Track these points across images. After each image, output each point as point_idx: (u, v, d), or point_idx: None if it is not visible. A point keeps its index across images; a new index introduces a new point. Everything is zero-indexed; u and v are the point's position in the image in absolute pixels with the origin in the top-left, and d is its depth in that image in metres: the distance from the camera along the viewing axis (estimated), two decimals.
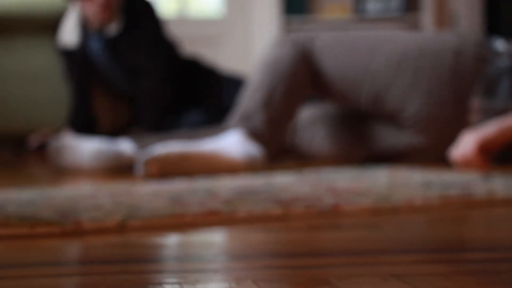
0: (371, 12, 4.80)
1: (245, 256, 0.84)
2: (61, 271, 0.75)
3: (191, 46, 4.41)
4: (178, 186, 1.56)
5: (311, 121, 2.30)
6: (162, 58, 2.82)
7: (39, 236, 0.97)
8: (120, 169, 2.18)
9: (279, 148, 2.15)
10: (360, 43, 2.16)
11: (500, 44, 2.10)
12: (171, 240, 0.97)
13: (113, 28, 2.73)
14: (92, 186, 1.59)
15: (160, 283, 0.68)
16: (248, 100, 2.09)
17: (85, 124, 2.80)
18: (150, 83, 2.76)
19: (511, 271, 0.74)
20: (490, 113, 2.03)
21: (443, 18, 4.78)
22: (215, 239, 1.01)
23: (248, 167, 1.96)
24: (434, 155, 2.13)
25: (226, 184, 1.58)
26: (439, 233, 1.02)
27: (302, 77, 2.15)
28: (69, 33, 2.78)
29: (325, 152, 2.28)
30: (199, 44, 4.65)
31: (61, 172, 2.17)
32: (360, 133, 2.25)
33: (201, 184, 1.59)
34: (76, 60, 2.78)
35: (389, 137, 2.19)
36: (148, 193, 1.42)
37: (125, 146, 2.20)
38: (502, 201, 1.29)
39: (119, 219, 1.04)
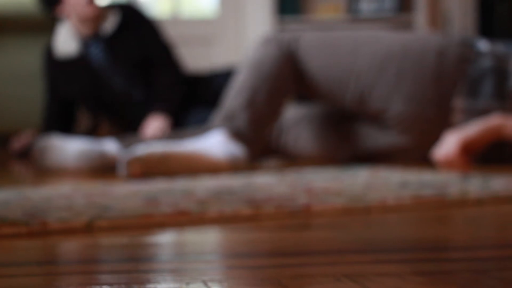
0: (365, 12, 4.81)
1: (202, 256, 0.85)
2: (22, 272, 0.76)
3: (184, 46, 4.42)
4: (156, 186, 1.57)
5: (296, 121, 2.31)
6: (170, 52, 2.83)
7: (4, 236, 0.98)
8: (105, 169, 2.18)
9: (262, 148, 2.15)
10: (344, 44, 2.17)
11: (483, 45, 2.10)
12: (135, 241, 0.97)
13: (108, 27, 2.73)
14: (71, 186, 1.59)
15: (110, 284, 0.68)
16: (231, 100, 2.09)
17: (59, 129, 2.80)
18: (168, 75, 2.76)
19: (464, 271, 0.74)
20: (473, 113, 2.04)
21: (436, 18, 4.79)
22: (180, 239, 1.02)
23: (231, 167, 1.96)
24: (418, 155, 2.13)
25: (205, 184, 1.58)
26: (404, 233, 1.03)
27: (286, 77, 2.15)
28: (64, 43, 2.77)
29: (310, 152, 2.28)
30: (193, 44, 4.66)
31: (45, 172, 2.17)
32: (345, 133, 2.26)
33: (180, 184, 1.59)
34: (77, 70, 2.76)
35: (373, 137, 2.19)
36: (125, 193, 1.43)
37: (109, 146, 2.21)
38: (474, 202, 1.29)
39: (86, 219, 1.04)
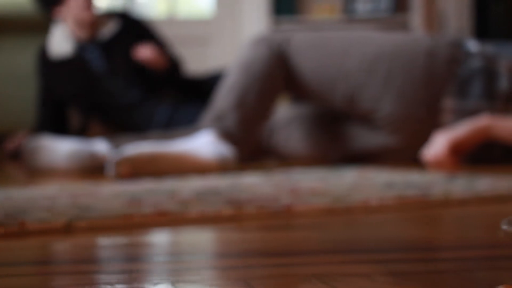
0: (360, 12, 4.81)
1: (176, 257, 0.85)
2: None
3: (181, 46, 4.42)
4: (142, 186, 1.57)
5: (287, 122, 2.31)
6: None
7: None
8: (95, 169, 2.18)
9: (252, 149, 2.15)
10: (335, 44, 2.17)
11: (472, 45, 2.10)
12: (114, 241, 0.97)
13: (105, 33, 2.73)
14: (57, 186, 1.59)
15: (77, 284, 0.68)
16: (221, 100, 2.09)
17: (53, 130, 2.80)
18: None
19: (432, 271, 0.74)
20: (462, 114, 2.04)
21: (432, 19, 4.79)
22: (157, 240, 1.02)
23: (219, 167, 1.96)
24: (408, 155, 2.13)
25: (191, 185, 1.58)
26: (382, 234, 1.03)
27: (276, 78, 2.15)
28: (59, 43, 2.77)
29: (301, 152, 2.28)
30: (189, 44, 4.66)
31: (35, 172, 2.17)
32: (336, 133, 2.26)
33: (166, 185, 1.59)
34: (71, 71, 2.76)
35: (364, 137, 2.20)
36: (110, 194, 1.43)
37: (100, 146, 2.21)
38: (458, 202, 1.29)
39: (65, 220, 1.05)
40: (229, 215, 1.16)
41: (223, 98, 2.09)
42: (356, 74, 2.11)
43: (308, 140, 2.27)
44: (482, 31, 4.75)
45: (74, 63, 2.75)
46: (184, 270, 0.76)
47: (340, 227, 1.09)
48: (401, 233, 1.03)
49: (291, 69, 2.17)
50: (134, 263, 0.82)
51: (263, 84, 2.11)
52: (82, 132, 2.95)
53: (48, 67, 2.79)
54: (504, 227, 0.61)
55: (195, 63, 4.43)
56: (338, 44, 2.17)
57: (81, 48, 2.74)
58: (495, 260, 0.81)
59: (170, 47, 2.92)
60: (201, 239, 1.02)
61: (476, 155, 2.04)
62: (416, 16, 4.71)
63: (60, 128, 2.84)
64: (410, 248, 0.89)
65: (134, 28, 2.79)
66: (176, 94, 2.79)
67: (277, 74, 2.15)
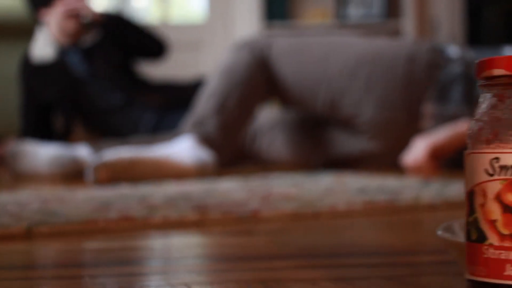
0: (353, 17, 4.81)
1: (119, 263, 0.85)
2: None
3: (173, 51, 4.43)
4: (116, 192, 1.57)
5: (270, 127, 2.31)
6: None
7: None
8: (77, 174, 2.18)
9: (233, 154, 2.15)
10: (316, 49, 2.17)
11: (453, 51, 2.10)
12: (70, 247, 0.97)
13: (88, 39, 2.73)
14: (30, 191, 1.60)
15: None
16: (202, 105, 2.10)
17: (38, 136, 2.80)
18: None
19: (378, 277, 0.74)
20: (442, 119, 2.04)
21: (424, 24, 4.79)
22: (112, 245, 1.02)
23: (199, 172, 1.96)
24: (389, 160, 2.14)
25: (165, 190, 1.58)
26: (342, 239, 1.03)
27: (258, 83, 2.15)
28: (42, 48, 2.78)
29: (284, 157, 2.28)
30: (181, 49, 4.66)
31: (17, 178, 2.17)
32: (318, 138, 2.26)
33: (140, 190, 1.59)
34: (53, 75, 2.77)
35: (345, 142, 2.20)
36: (82, 199, 1.43)
37: (82, 151, 2.21)
38: (425, 207, 1.29)
39: (26, 225, 1.05)
40: (194, 221, 1.16)
41: (203, 103, 2.10)
42: (338, 79, 2.12)
43: (291, 145, 2.27)
44: (474, 36, 4.76)
45: (56, 68, 2.75)
46: (127, 275, 0.76)
47: (303, 232, 1.09)
48: (361, 239, 1.03)
49: (273, 74, 2.17)
50: (76, 268, 0.82)
51: (244, 89, 2.12)
52: (66, 136, 2.95)
53: (31, 71, 2.79)
54: (439, 232, 0.62)
55: (187, 67, 4.44)
56: (320, 49, 2.17)
57: (64, 53, 2.75)
58: (445, 265, 0.81)
59: (153, 30, 2.92)
60: (157, 245, 1.02)
61: (456, 160, 2.04)
62: (408, 22, 4.71)
63: (44, 132, 2.84)
64: (364, 254, 0.90)
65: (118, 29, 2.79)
66: (162, 99, 2.79)
67: (259, 80, 2.15)
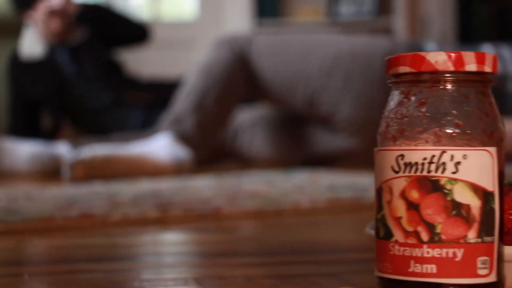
0: (344, 15, 4.81)
1: (57, 262, 0.85)
2: None
3: (164, 49, 4.44)
4: (87, 189, 1.57)
5: (251, 124, 2.31)
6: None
7: None
8: (56, 172, 2.18)
9: (211, 151, 2.16)
10: (296, 47, 2.17)
11: (430, 48, 2.10)
12: (21, 245, 0.97)
13: (76, 38, 2.74)
14: (1, 189, 1.60)
15: None
16: (180, 103, 2.10)
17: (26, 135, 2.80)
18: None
19: (319, 274, 0.74)
20: None
21: (415, 22, 4.79)
22: (65, 243, 1.02)
23: (175, 170, 1.97)
24: (367, 158, 2.14)
25: (136, 188, 1.58)
26: (294, 237, 1.03)
27: (237, 80, 2.15)
28: (30, 45, 2.78)
29: (264, 155, 2.28)
30: (172, 47, 4.67)
31: None
32: (298, 136, 2.26)
33: (111, 188, 1.59)
34: (42, 72, 2.77)
35: (324, 140, 2.20)
36: (51, 196, 1.43)
37: (61, 149, 2.21)
38: None
39: None
40: (154, 218, 1.16)
41: (182, 101, 2.10)
42: (316, 77, 2.12)
43: (271, 142, 2.27)
44: (465, 34, 4.75)
45: (45, 66, 2.75)
46: (64, 273, 0.77)
47: (260, 230, 1.09)
48: (316, 236, 1.03)
49: (252, 71, 2.17)
50: (24, 266, 0.82)
51: (222, 87, 2.12)
52: (54, 134, 2.95)
53: (19, 69, 2.79)
54: (367, 229, 0.62)
55: (178, 65, 4.44)
56: (299, 47, 2.17)
57: (52, 51, 2.75)
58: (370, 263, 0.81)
59: (133, 17, 2.93)
60: (109, 243, 1.02)
61: None
62: (400, 19, 4.71)
63: (32, 130, 2.84)
64: (313, 251, 0.90)
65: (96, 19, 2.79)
66: (149, 97, 2.79)
67: (238, 77, 2.15)
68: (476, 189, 0.49)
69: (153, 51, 4.14)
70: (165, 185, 1.62)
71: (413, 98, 0.50)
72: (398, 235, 0.50)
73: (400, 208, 0.50)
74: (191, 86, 2.12)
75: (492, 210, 0.49)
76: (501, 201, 0.50)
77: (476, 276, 0.49)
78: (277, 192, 1.44)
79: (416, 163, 0.49)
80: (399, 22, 4.70)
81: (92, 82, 2.74)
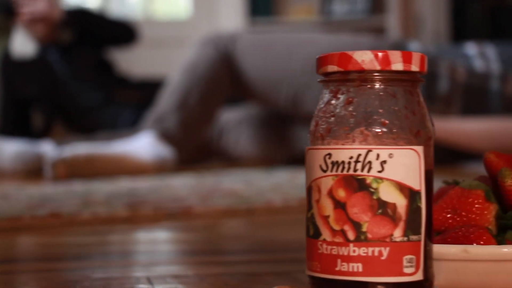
0: (337, 14, 4.81)
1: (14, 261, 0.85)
2: None
3: (157, 47, 4.43)
4: (65, 188, 1.57)
5: (237, 123, 2.31)
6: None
7: None
8: (40, 170, 2.18)
9: (194, 150, 2.16)
10: (280, 45, 2.17)
11: (414, 47, 2.10)
12: None
13: (65, 38, 2.74)
14: None
15: None
16: (163, 102, 2.10)
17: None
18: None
19: (271, 273, 0.74)
20: None
21: (409, 21, 4.79)
22: (30, 241, 1.02)
23: (158, 168, 1.97)
24: None
25: (114, 186, 1.58)
26: (259, 235, 1.03)
27: (221, 79, 2.15)
28: (21, 44, 2.78)
29: (249, 153, 2.28)
30: (165, 45, 4.67)
31: None
32: (283, 135, 2.26)
33: (90, 186, 1.60)
34: (34, 71, 2.77)
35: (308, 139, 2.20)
36: (26, 195, 1.43)
37: (46, 147, 2.21)
38: None
39: None
40: (123, 217, 1.16)
41: (165, 99, 2.10)
42: (300, 75, 2.12)
43: (256, 141, 2.27)
44: (459, 33, 4.75)
45: (37, 65, 2.75)
46: (16, 273, 0.77)
47: (226, 229, 1.09)
48: (282, 235, 1.03)
49: (237, 69, 2.17)
50: None
51: (206, 85, 2.12)
52: (45, 133, 2.95)
53: (11, 67, 2.79)
54: None
55: (171, 64, 4.43)
56: (284, 45, 2.17)
57: (43, 50, 2.75)
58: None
59: (120, 19, 2.94)
60: (71, 242, 1.02)
61: None
62: (393, 18, 4.70)
63: (22, 129, 2.84)
64: (273, 250, 0.90)
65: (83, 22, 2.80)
66: (140, 96, 2.79)
67: (222, 76, 2.15)
68: (402, 188, 0.49)
69: (146, 49, 4.14)
70: (143, 184, 1.62)
71: (341, 97, 0.50)
72: (326, 234, 0.50)
73: (328, 207, 0.50)
74: (174, 85, 2.12)
75: (419, 209, 0.49)
76: (428, 200, 0.50)
77: (402, 275, 0.49)
78: (253, 191, 1.44)
79: (343, 162, 0.49)
80: (393, 20, 4.69)
81: (83, 82, 2.74)
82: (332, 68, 0.51)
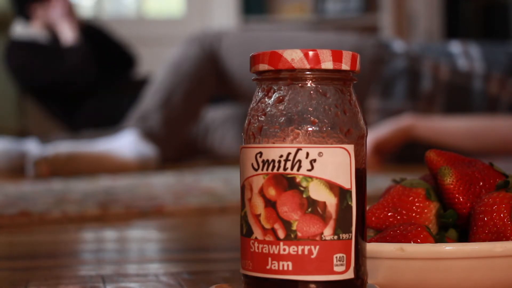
0: (331, 12, 4.80)
1: None
2: None
3: (150, 46, 4.42)
4: (43, 187, 1.57)
5: (222, 121, 2.31)
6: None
7: None
8: (23, 169, 2.18)
9: (178, 148, 2.15)
10: (264, 44, 2.17)
11: (398, 46, 2.10)
12: None
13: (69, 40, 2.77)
14: None
15: None
16: (147, 100, 2.10)
17: None
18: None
19: (227, 271, 0.74)
20: (386, 114, 2.04)
21: (402, 19, 4.78)
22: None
23: (140, 167, 1.96)
24: None
25: (93, 185, 1.58)
26: (213, 233, 1.03)
27: (206, 77, 2.15)
28: (33, 32, 2.80)
29: (235, 151, 2.28)
30: (158, 44, 4.66)
31: None
32: None
33: (68, 185, 1.59)
34: (47, 59, 2.78)
35: None
36: (2, 194, 1.43)
37: (30, 146, 2.21)
38: None
39: None
40: (94, 216, 1.16)
41: (149, 97, 2.10)
42: None
43: (242, 140, 2.27)
44: (452, 31, 4.75)
45: (51, 52, 2.78)
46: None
47: (194, 227, 1.09)
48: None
49: (222, 68, 2.17)
50: None
51: (191, 84, 2.12)
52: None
53: (21, 50, 2.81)
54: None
55: (164, 62, 4.43)
56: (268, 43, 2.17)
57: (55, 40, 2.78)
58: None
59: (127, 46, 2.97)
60: (38, 240, 1.02)
61: (401, 154, 2.04)
62: (386, 16, 4.70)
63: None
64: (233, 249, 0.90)
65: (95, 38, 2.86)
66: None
67: (207, 74, 2.15)
68: (332, 187, 0.49)
69: (139, 48, 4.14)
70: (122, 183, 1.62)
71: (272, 95, 0.50)
72: (257, 233, 0.50)
73: (259, 205, 0.50)
74: (159, 83, 2.12)
75: (349, 207, 0.49)
76: (360, 198, 0.50)
77: (332, 273, 0.49)
78: (229, 189, 1.44)
79: (273, 161, 0.49)
80: (386, 19, 4.69)
81: (88, 75, 2.77)
82: (263, 66, 0.51)
